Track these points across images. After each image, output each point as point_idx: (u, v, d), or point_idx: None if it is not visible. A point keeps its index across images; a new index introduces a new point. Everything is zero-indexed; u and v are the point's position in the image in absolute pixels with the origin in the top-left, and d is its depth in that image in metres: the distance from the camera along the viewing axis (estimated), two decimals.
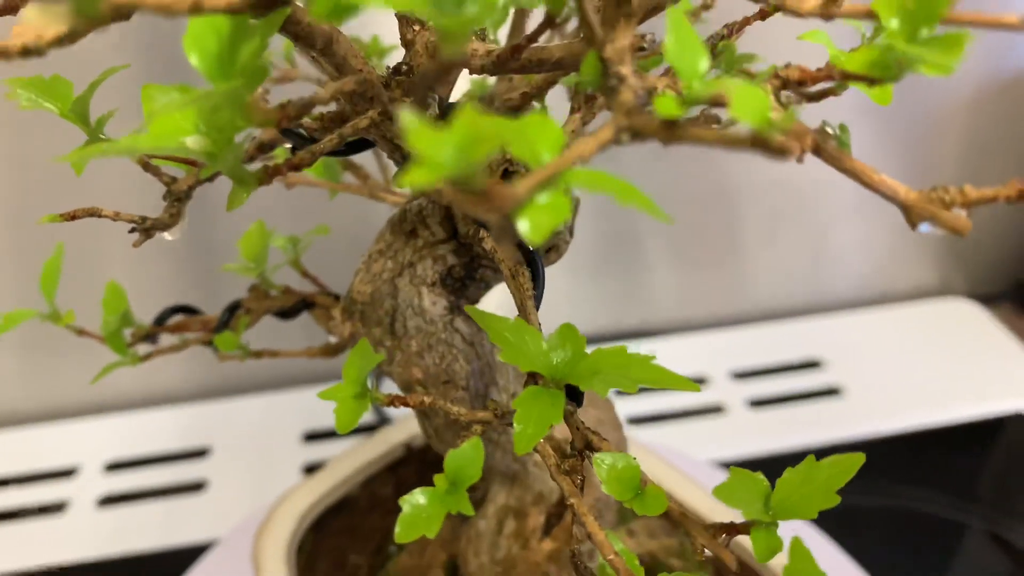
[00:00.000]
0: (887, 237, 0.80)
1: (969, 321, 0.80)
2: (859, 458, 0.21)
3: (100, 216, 0.30)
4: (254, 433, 0.70)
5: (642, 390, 0.71)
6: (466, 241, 0.30)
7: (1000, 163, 0.78)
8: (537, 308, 0.25)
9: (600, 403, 0.37)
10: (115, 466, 0.68)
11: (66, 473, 0.67)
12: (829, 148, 0.18)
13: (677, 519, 0.22)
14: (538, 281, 0.26)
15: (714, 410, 0.71)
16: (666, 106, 0.15)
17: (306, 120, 0.25)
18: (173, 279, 0.71)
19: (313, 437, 0.69)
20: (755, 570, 0.45)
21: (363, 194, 0.42)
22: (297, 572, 0.44)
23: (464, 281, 0.32)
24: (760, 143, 0.14)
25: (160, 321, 0.40)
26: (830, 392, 0.73)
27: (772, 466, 0.66)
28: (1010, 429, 0.71)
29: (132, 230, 0.29)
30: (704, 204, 0.75)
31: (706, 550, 0.23)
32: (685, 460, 0.57)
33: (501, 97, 0.27)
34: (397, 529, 0.22)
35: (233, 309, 0.38)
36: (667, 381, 0.20)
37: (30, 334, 0.71)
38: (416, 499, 0.22)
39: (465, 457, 0.22)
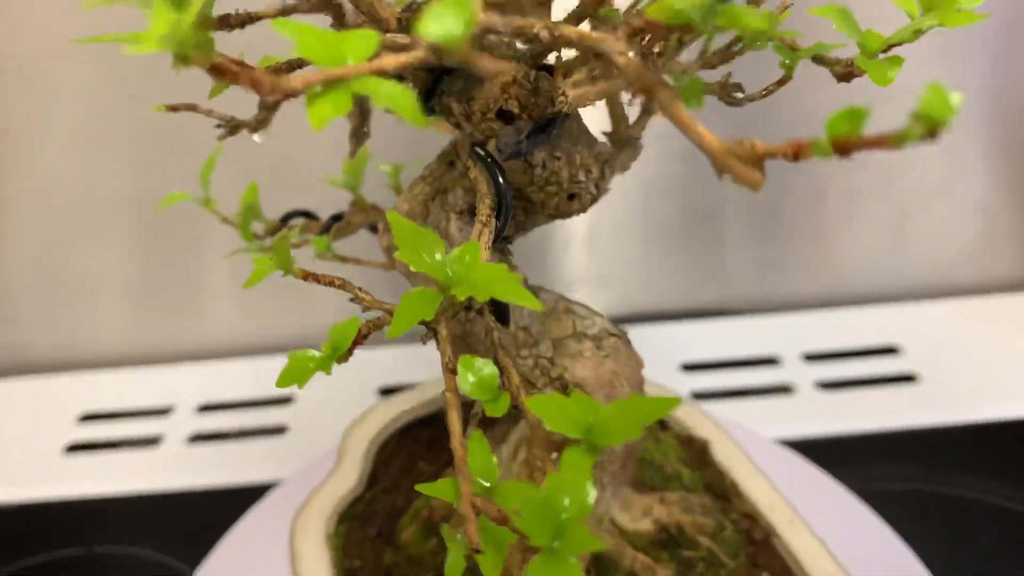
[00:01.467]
0: (973, 223, 0.78)
1: None
2: (674, 401, 0.22)
3: (196, 111, 0.35)
4: (335, 385, 0.73)
5: (710, 367, 0.73)
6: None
7: None
8: (496, 240, 0.27)
9: (622, 358, 0.37)
10: (206, 408, 0.73)
11: (163, 411, 0.73)
12: (662, 96, 0.19)
13: (531, 425, 0.24)
14: (501, 213, 0.28)
15: (782, 390, 0.71)
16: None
17: None
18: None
19: (387, 391, 0.73)
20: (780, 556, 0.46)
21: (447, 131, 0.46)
22: (372, 464, 0.51)
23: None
24: None
25: (284, 220, 0.46)
26: (905, 379, 0.71)
27: (836, 447, 0.66)
28: None
29: (218, 126, 0.34)
30: (783, 179, 0.75)
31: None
32: (738, 428, 0.58)
33: None
34: (280, 376, 0.26)
35: (336, 219, 0.43)
36: (518, 296, 0.22)
37: (144, 286, 0.78)
38: (304, 354, 0.27)
39: (342, 330, 0.27)
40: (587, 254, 0.77)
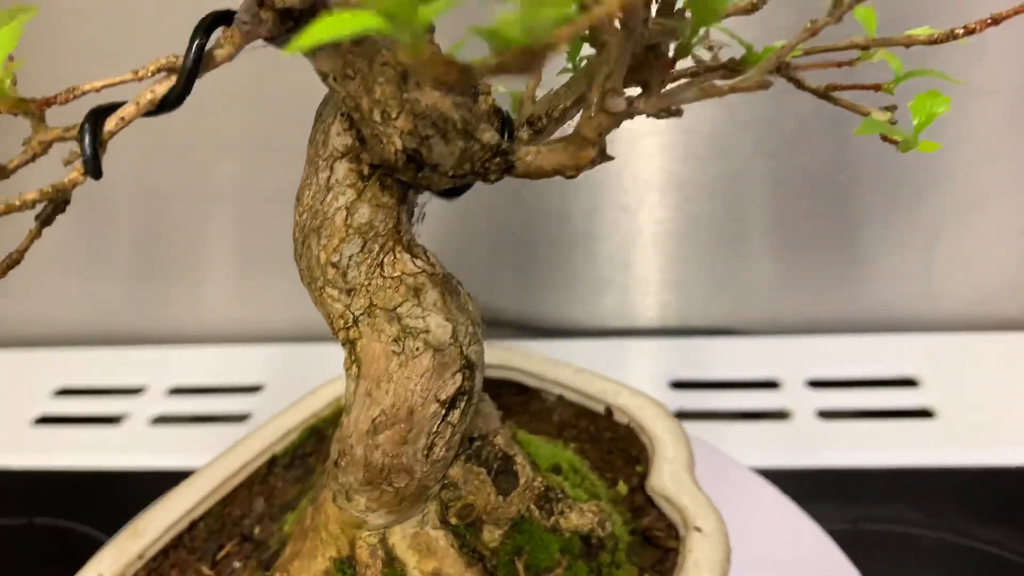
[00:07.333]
0: (1015, 248, 0.70)
1: None
2: None
3: None
4: (304, 375, 0.71)
5: (702, 385, 0.67)
6: None
7: None
8: None
9: (409, 371, 0.31)
10: (177, 390, 0.72)
11: (136, 391, 0.72)
12: None
13: None
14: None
15: (777, 415, 0.65)
16: None
17: None
18: None
19: None
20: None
21: None
22: None
23: None
24: None
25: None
26: (920, 414, 0.64)
27: (829, 480, 0.59)
28: None
29: None
30: (806, 189, 0.69)
31: None
32: (713, 452, 0.53)
33: None
34: None
35: None
36: None
37: (143, 267, 0.78)
38: None
39: None
40: (583, 255, 0.73)
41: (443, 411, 0.31)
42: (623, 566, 0.36)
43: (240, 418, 0.68)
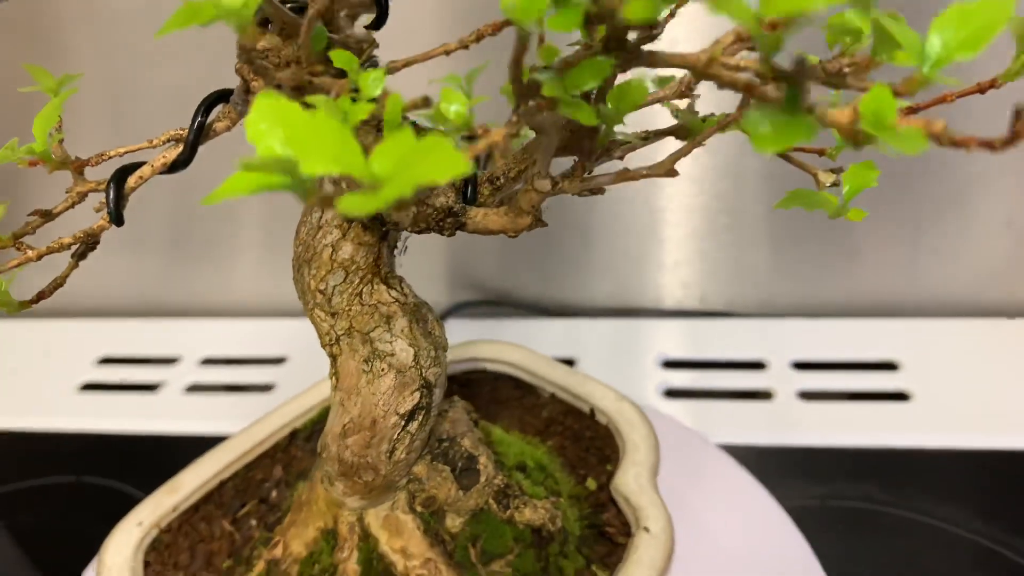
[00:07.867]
0: (1000, 238, 0.73)
1: None
2: None
3: None
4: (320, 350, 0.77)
5: (691, 365, 0.71)
6: None
7: None
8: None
9: (375, 387, 0.36)
10: (208, 361, 0.78)
11: (171, 360, 0.78)
12: None
13: None
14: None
15: (761, 395, 0.69)
16: None
17: None
18: None
19: None
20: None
21: None
22: None
23: None
24: None
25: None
26: (897, 397, 0.68)
27: (805, 458, 0.63)
28: None
29: None
30: (800, 185, 0.72)
31: None
32: (679, 428, 0.57)
33: None
34: None
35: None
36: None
37: (176, 244, 0.83)
38: None
39: None
40: (584, 243, 0.77)
41: (402, 422, 0.37)
42: (571, 556, 0.41)
43: (265, 388, 0.74)
